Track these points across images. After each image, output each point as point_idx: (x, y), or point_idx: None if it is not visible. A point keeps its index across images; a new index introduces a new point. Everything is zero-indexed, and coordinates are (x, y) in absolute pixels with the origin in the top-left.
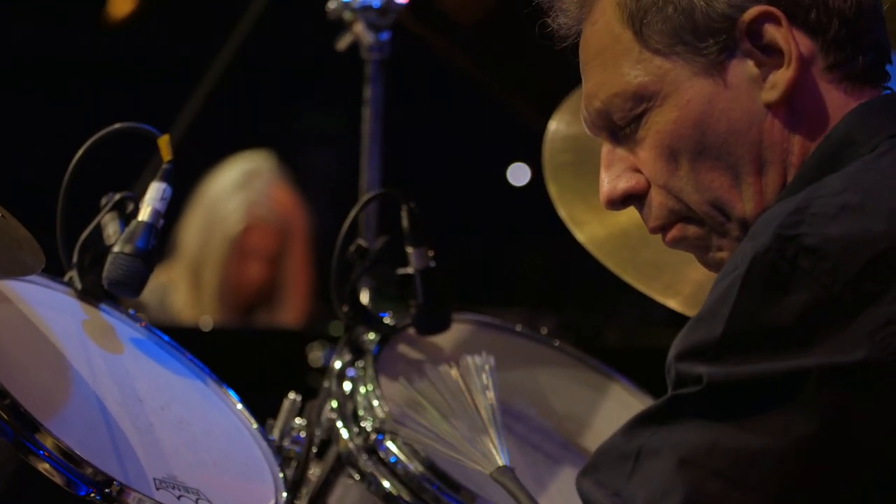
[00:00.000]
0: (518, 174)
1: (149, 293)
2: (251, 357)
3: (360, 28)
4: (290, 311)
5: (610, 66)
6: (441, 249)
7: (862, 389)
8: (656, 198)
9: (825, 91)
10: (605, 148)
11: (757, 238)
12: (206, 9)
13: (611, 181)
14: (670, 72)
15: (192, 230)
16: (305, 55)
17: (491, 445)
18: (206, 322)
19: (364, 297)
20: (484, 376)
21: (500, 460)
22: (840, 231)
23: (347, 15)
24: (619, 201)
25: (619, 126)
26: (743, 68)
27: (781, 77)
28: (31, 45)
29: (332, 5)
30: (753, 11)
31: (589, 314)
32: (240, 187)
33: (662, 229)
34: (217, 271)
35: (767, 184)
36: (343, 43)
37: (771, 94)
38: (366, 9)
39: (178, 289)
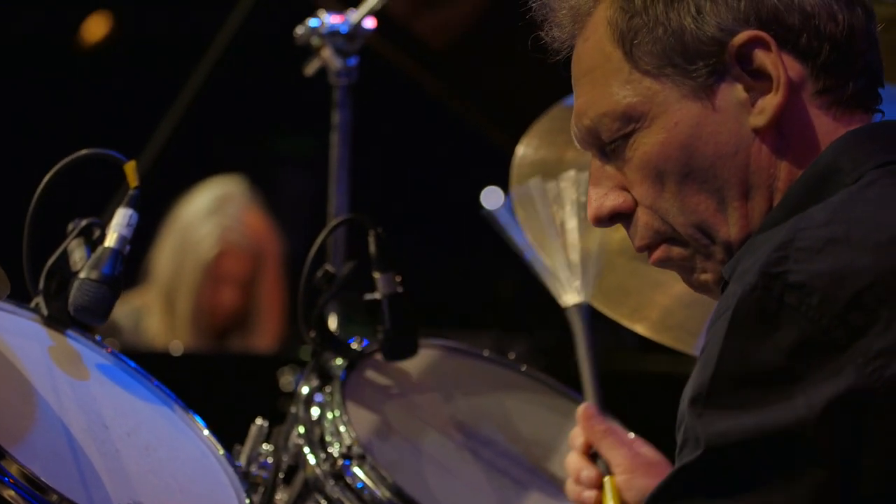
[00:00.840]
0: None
1: (123, 317)
2: (222, 382)
3: (327, 53)
4: (263, 336)
5: (600, 84)
6: (409, 273)
7: (859, 422)
8: (642, 218)
9: (814, 116)
10: (594, 164)
11: (744, 277)
12: (178, 34)
13: (598, 199)
14: (659, 93)
15: (165, 255)
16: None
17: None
18: (177, 347)
19: (332, 323)
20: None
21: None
22: (826, 265)
23: (315, 40)
24: (606, 219)
25: (607, 144)
26: (731, 92)
27: (770, 102)
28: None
29: (300, 30)
30: (743, 36)
31: (560, 338)
32: (212, 212)
33: (648, 248)
34: (190, 297)
35: (753, 208)
36: (311, 68)
37: (759, 119)
38: (333, 34)
39: (151, 313)
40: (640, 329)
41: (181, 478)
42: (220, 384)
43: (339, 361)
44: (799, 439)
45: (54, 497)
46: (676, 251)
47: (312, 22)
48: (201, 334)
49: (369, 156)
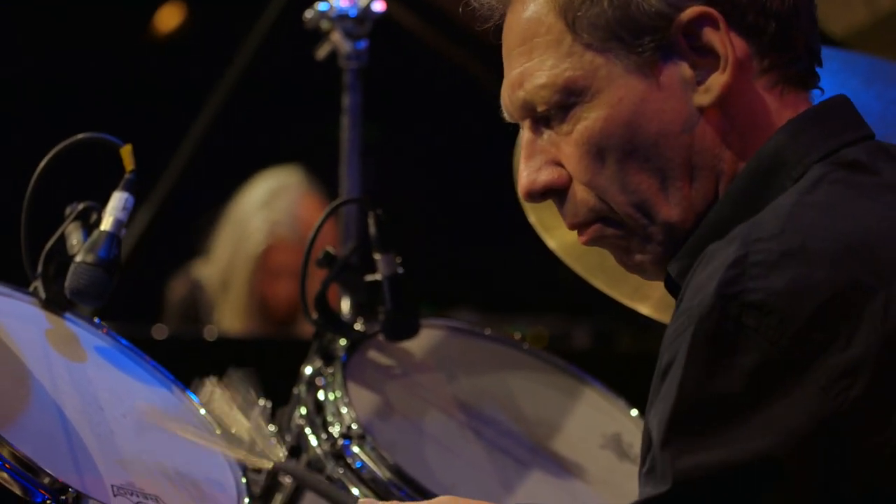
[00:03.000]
0: None
1: (181, 287)
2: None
3: (337, 37)
4: None
5: (537, 55)
6: (423, 254)
7: (830, 447)
8: (578, 194)
9: (759, 95)
10: (526, 137)
11: (699, 294)
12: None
13: (530, 173)
14: (602, 67)
15: (222, 243)
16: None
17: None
18: (211, 332)
19: (344, 305)
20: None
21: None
22: (783, 282)
23: (325, 24)
24: (539, 194)
25: (543, 118)
26: (677, 69)
27: (716, 81)
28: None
29: (309, 14)
30: (691, 12)
31: (562, 317)
32: (263, 206)
33: (580, 226)
34: (243, 287)
35: (697, 189)
36: (322, 52)
37: (705, 97)
38: (343, 17)
39: (206, 290)
40: (642, 309)
41: (177, 458)
42: (260, 369)
43: (342, 342)
44: (767, 471)
45: (46, 479)
46: (610, 231)
47: (322, 6)
48: (258, 323)
49: (379, 138)
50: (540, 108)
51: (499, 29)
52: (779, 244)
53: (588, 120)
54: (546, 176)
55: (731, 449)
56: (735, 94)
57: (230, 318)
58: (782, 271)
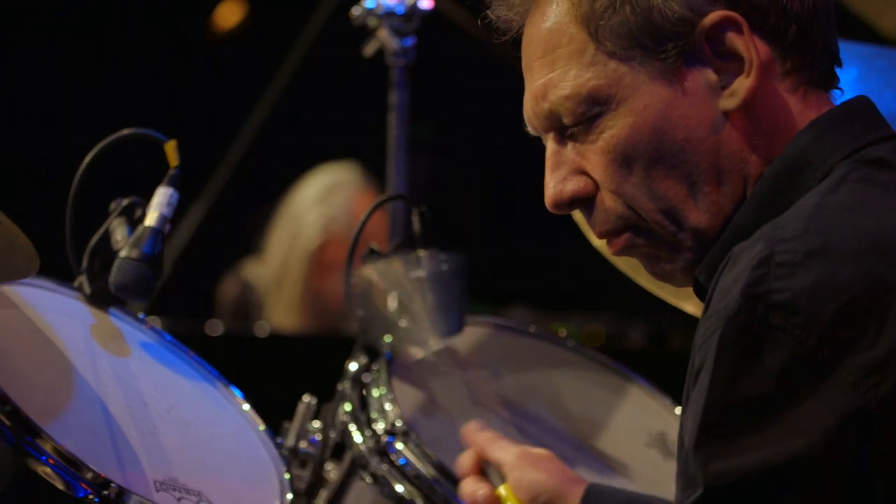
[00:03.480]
0: None
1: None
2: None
3: (384, 34)
4: None
5: (560, 66)
6: (476, 252)
7: (860, 445)
8: (605, 202)
9: (782, 98)
10: (551, 148)
11: (726, 297)
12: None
13: (556, 184)
14: (626, 75)
15: (277, 239)
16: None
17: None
18: (262, 328)
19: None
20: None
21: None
22: (807, 281)
23: (372, 21)
24: (566, 205)
25: (568, 128)
26: (701, 74)
27: (741, 85)
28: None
29: (356, 11)
30: (714, 17)
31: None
32: (319, 202)
33: (610, 234)
34: (297, 284)
35: (725, 193)
36: (369, 49)
37: (730, 101)
38: (390, 15)
39: (259, 290)
40: (688, 308)
41: (219, 454)
42: (308, 365)
43: (387, 339)
44: (799, 470)
45: (89, 474)
46: (640, 241)
47: (368, 3)
48: (312, 320)
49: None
50: (566, 120)
51: (516, 42)
52: (803, 244)
53: (614, 128)
54: (572, 186)
55: (762, 451)
56: (759, 98)
57: (284, 315)
58: (807, 271)
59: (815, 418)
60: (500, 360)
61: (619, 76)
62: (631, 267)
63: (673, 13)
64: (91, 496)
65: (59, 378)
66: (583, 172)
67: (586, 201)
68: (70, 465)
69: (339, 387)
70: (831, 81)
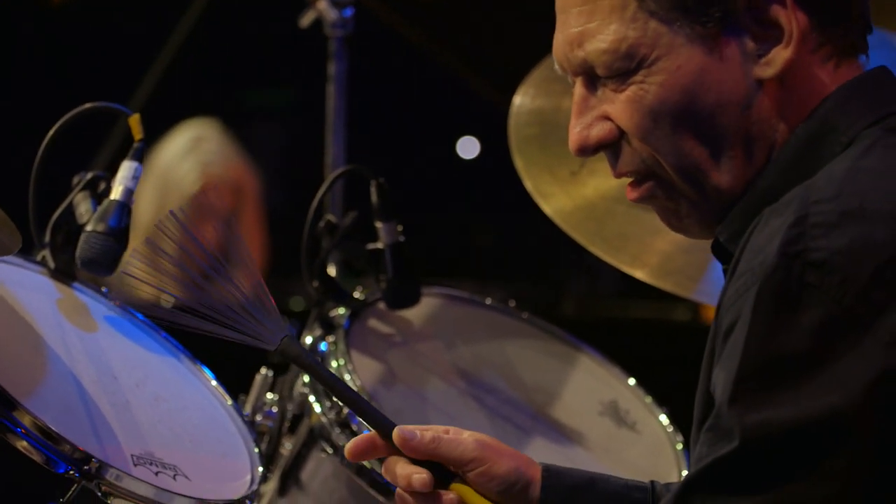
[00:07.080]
0: (467, 147)
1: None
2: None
3: (323, 5)
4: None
5: (599, 18)
6: (406, 225)
7: (890, 405)
8: (632, 144)
9: (816, 68)
10: (579, 93)
11: (760, 256)
12: None
13: (582, 129)
14: (664, 35)
15: (146, 200)
16: (268, 31)
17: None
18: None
19: (331, 271)
20: None
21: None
22: (844, 241)
23: None
24: (591, 149)
25: (600, 79)
26: (739, 42)
27: (779, 55)
28: None
29: None
30: None
31: (541, 286)
32: (190, 151)
33: (632, 175)
34: None
35: (750, 158)
36: (307, 20)
37: (766, 70)
38: None
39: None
40: (639, 275)
41: (191, 428)
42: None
43: (341, 311)
44: (834, 427)
45: (67, 447)
46: (661, 192)
47: None
48: None
49: (364, 107)
50: (599, 71)
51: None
52: (838, 205)
53: (645, 84)
54: (598, 132)
55: (798, 405)
56: (794, 68)
57: None
58: (843, 230)
59: (851, 375)
60: (455, 330)
61: (657, 36)
62: (585, 237)
63: None
64: (72, 471)
65: (32, 352)
66: (609, 119)
67: (611, 145)
68: (49, 439)
69: None
70: (861, 46)
